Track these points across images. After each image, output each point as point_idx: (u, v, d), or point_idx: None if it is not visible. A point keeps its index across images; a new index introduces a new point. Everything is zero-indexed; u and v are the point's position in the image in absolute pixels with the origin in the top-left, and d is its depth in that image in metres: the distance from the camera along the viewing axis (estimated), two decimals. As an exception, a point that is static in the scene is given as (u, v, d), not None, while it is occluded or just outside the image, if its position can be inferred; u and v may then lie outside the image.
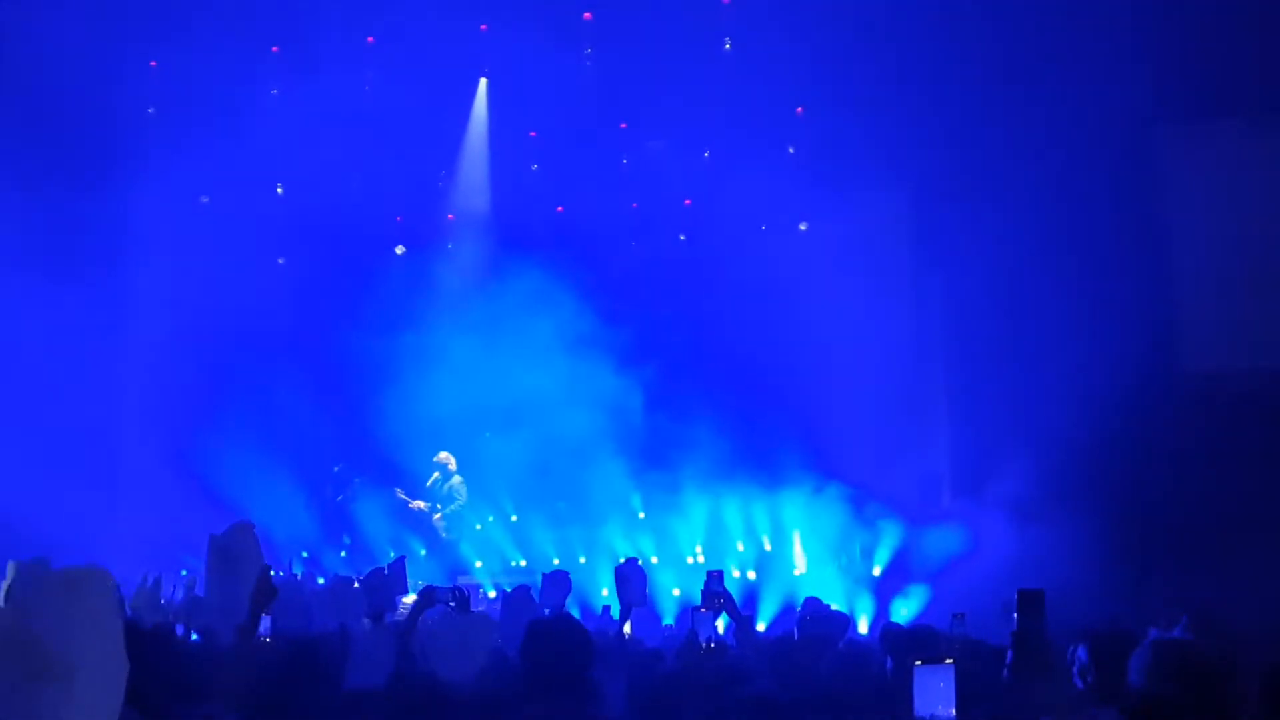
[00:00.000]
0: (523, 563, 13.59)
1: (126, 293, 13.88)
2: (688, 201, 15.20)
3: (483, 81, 14.88)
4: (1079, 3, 11.89)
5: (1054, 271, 12.10)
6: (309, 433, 13.87)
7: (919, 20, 12.33)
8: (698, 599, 6.15)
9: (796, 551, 13.04)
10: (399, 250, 15.45)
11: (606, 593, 10.80)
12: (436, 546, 14.03)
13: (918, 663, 3.52)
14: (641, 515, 13.88)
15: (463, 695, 4.57)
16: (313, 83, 13.55)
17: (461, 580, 12.05)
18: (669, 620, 10.52)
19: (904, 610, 10.97)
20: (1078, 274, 12.07)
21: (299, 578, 12.03)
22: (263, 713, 4.20)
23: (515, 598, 7.78)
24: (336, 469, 14.65)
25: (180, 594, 8.88)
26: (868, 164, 13.58)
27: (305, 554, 13.66)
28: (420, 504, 14.35)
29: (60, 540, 8.88)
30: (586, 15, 13.83)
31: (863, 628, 9.80)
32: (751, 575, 12.64)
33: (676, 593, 11.41)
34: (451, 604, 5.96)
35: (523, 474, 13.99)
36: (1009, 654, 5.48)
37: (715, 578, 6.11)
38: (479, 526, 14.40)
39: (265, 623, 5.93)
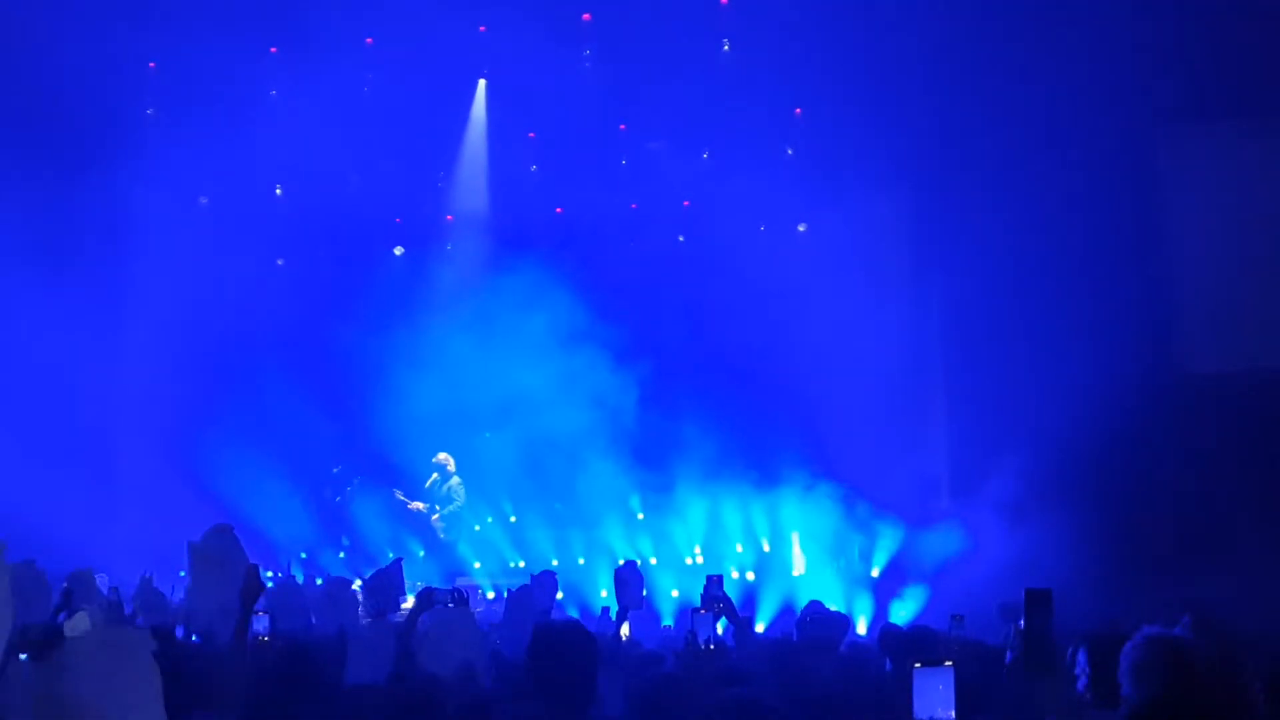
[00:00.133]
0: (521, 564, 13.59)
1: (126, 293, 13.88)
2: (686, 203, 15.20)
3: (482, 82, 14.87)
4: (1079, 3, 11.88)
5: (1052, 272, 12.10)
6: (308, 434, 13.88)
7: (918, 21, 12.32)
8: (697, 600, 6.16)
9: (795, 553, 13.04)
10: (398, 251, 15.46)
11: (606, 594, 10.80)
12: (435, 547, 14.03)
13: (917, 665, 3.51)
14: (640, 516, 13.88)
15: (463, 695, 4.57)
16: (312, 83, 13.55)
17: (460, 581, 12.05)
18: (668, 621, 10.52)
19: (902, 612, 10.97)
20: (1076, 275, 12.06)
21: (298, 580, 12.01)
22: (260, 714, 4.20)
23: (519, 597, 7.84)
24: (336, 470, 14.65)
25: (180, 595, 8.87)
26: (866, 165, 13.59)
27: (304, 555, 13.66)
28: (419, 505, 14.35)
29: (57, 541, 8.89)
30: (585, 16, 13.82)
31: (861, 629, 9.80)
32: (750, 576, 12.64)
33: (675, 594, 11.41)
34: (450, 605, 5.97)
35: (522, 474, 14.00)
36: (1008, 655, 5.48)
37: (715, 582, 6.12)
38: (477, 527, 14.40)
39: (265, 622, 5.93)
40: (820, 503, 12.73)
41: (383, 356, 13.86)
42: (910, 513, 12.75)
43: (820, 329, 13.55)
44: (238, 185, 14.35)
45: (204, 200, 14.59)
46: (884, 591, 11.69)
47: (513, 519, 14.35)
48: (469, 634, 5.31)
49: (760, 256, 14.46)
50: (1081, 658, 4.48)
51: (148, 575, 8.61)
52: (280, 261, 15.21)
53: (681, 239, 15.36)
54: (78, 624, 6.58)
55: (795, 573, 12.82)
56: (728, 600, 6.08)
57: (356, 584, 8.65)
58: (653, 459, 13.67)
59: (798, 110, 14.14)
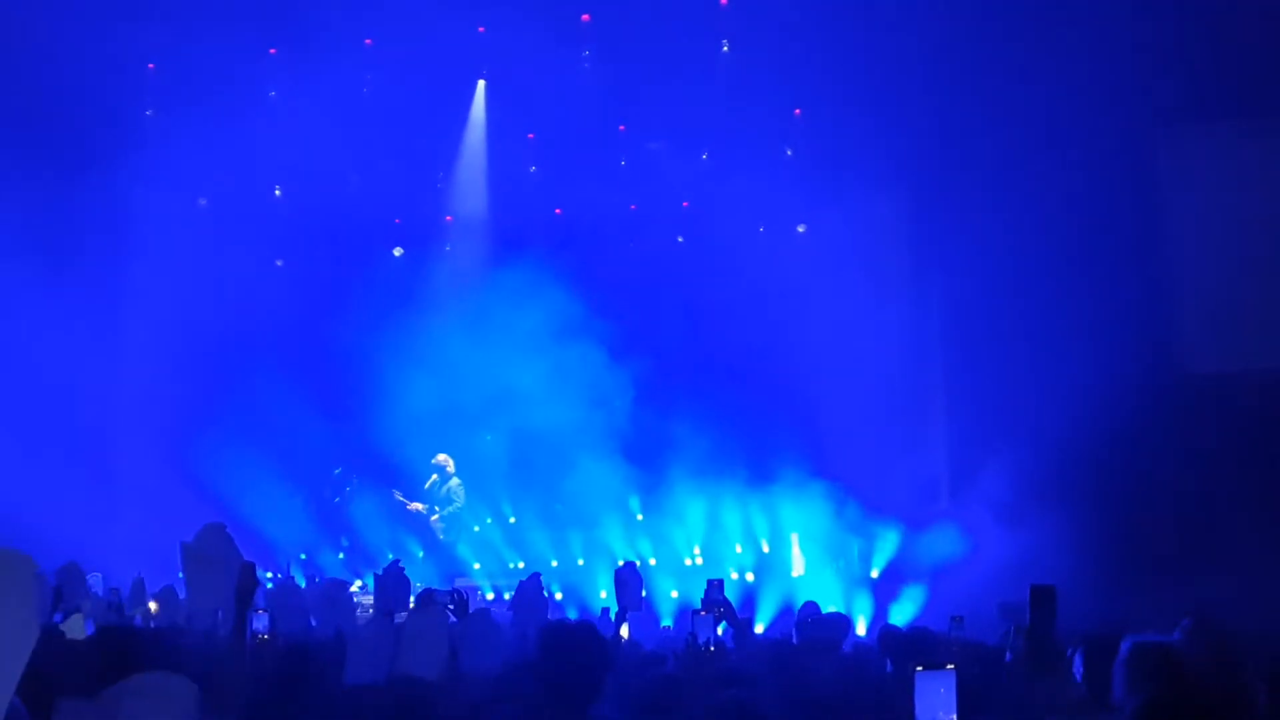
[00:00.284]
0: (520, 564, 13.58)
1: (125, 293, 13.86)
2: (686, 203, 15.20)
3: (481, 83, 14.86)
4: (1079, 3, 11.87)
5: (1052, 272, 12.09)
6: (307, 434, 13.87)
7: (918, 21, 12.31)
8: (696, 601, 6.16)
9: (794, 554, 13.03)
10: (397, 252, 15.45)
11: (605, 595, 10.80)
12: (434, 548, 14.02)
13: (918, 668, 3.50)
14: (640, 517, 13.88)
15: (453, 696, 4.56)
16: (311, 84, 13.53)
17: (459, 582, 12.05)
18: (667, 622, 10.52)
19: (901, 613, 10.97)
20: (1076, 275, 12.05)
21: (298, 581, 12.02)
22: (260, 714, 4.19)
23: (528, 586, 7.87)
24: (336, 471, 14.64)
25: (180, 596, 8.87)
26: (866, 165, 13.58)
27: (303, 556, 13.65)
28: (418, 506, 14.34)
29: (56, 541, 8.87)
30: (585, 17, 13.81)
31: (860, 629, 9.80)
32: (750, 577, 12.64)
33: (675, 595, 11.40)
34: (450, 606, 5.97)
35: (521, 474, 13.99)
36: (1008, 655, 5.48)
37: (716, 586, 6.13)
38: (476, 528, 14.39)
39: (264, 620, 5.93)
40: (819, 504, 12.73)
41: (382, 357, 13.86)
42: (909, 513, 12.75)
43: (819, 329, 13.55)
44: (237, 185, 14.34)
45: (203, 202, 14.58)
46: (883, 592, 11.69)
47: (512, 520, 14.34)
48: (436, 637, 5.29)
49: (759, 257, 14.47)
50: (1078, 658, 4.47)
51: (139, 577, 8.63)
52: (279, 262, 15.21)
53: (681, 239, 15.36)
54: (75, 625, 6.58)
55: (795, 574, 12.82)
56: (728, 604, 6.09)
57: (356, 585, 8.66)
58: (653, 459, 13.66)
59: (797, 110, 14.14)
